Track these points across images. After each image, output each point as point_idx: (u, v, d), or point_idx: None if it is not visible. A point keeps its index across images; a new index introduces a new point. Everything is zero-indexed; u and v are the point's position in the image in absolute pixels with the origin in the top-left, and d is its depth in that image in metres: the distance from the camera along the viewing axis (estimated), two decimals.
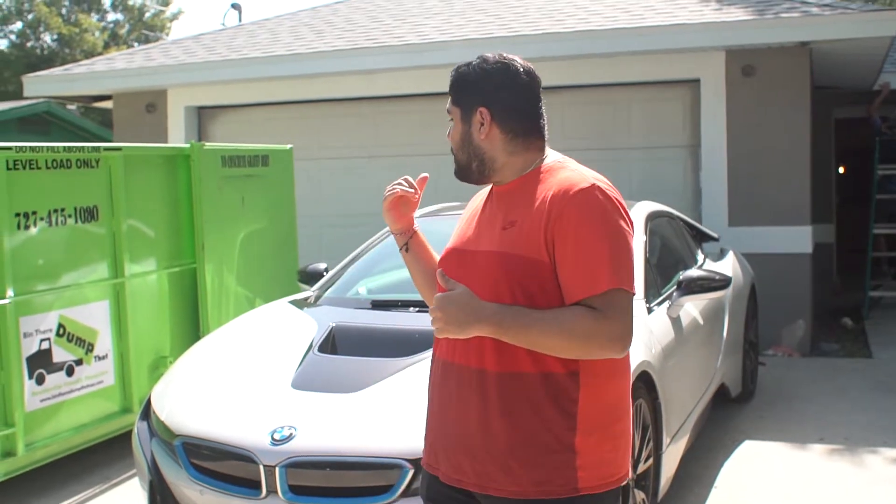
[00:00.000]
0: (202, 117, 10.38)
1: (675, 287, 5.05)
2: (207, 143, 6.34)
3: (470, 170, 2.40)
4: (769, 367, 7.60)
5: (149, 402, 4.35)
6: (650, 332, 4.45)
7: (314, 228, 9.57)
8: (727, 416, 6.27)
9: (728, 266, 6.47)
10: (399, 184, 2.55)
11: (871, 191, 10.42)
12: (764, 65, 8.45)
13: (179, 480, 3.85)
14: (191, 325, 6.30)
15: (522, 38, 8.67)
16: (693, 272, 5.08)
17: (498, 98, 2.35)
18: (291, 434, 3.62)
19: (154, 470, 4.00)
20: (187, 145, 6.31)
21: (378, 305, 4.94)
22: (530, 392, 2.24)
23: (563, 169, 2.32)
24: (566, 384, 2.23)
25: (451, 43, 8.97)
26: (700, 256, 6.31)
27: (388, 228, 5.85)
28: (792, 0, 8.49)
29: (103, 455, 5.72)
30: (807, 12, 8.11)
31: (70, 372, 5.38)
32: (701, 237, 6.80)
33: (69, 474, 5.48)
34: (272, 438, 3.62)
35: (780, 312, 8.29)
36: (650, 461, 4.28)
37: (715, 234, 7.04)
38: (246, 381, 4.19)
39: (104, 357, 5.63)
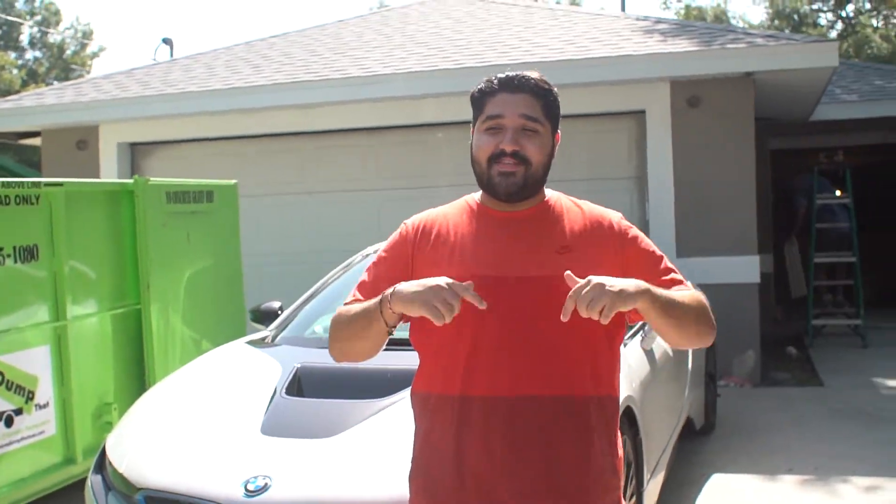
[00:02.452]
0: (136, 154, 10.05)
1: None
2: (152, 179, 6.06)
3: (536, 188, 2.29)
4: (724, 397, 7.53)
5: (103, 454, 4.05)
6: (629, 365, 4.31)
7: (253, 267, 9.25)
8: (692, 450, 6.16)
9: None
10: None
11: (811, 220, 10.51)
12: (709, 95, 8.47)
13: None
14: (135, 369, 5.99)
15: (467, 71, 8.57)
16: None
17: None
18: (266, 484, 3.37)
19: None
20: (131, 181, 6.02)
21: None
22: (608, 414, 2.29)
23: (576, 200, 2.37)
24: (616, 407, 2.33)
25: (394, 76, 8.84)
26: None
27: (342, 266, 5.70)
28: (735, 31, 8.58)
29: None
30: (752, 43, 8.18)
31: (9, 423, 5.03)
32: None
33: None
34: (246, 489, 3.36)
35: (730, 342, 8.24)
36: (633, 499, 4.13)
37: None
38: (211, 427, 3.92)
39: (45, 405, 5.29)
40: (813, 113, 10.71)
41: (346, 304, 2.38)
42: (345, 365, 4.35)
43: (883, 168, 12.38)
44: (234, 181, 7.10)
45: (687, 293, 2.23)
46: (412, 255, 2.33)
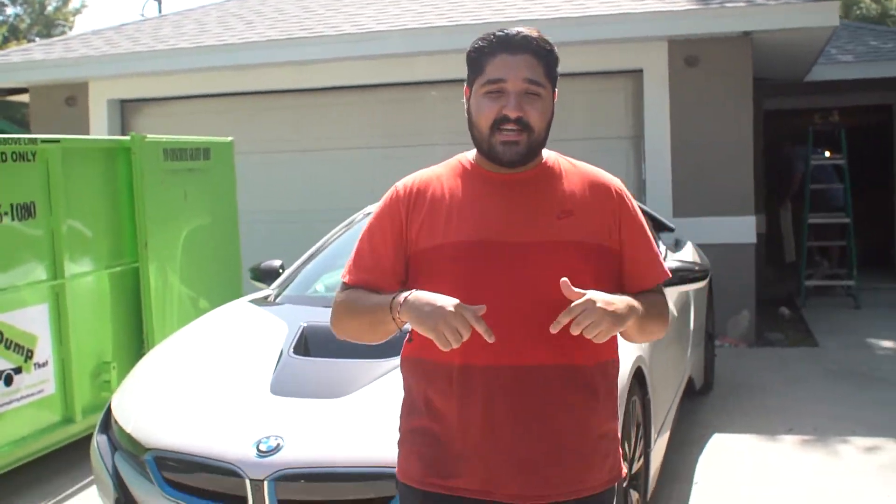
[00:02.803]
0: (125, 111, 9.91)
1: None
2: (149, 136, 5.97)
3: (537, 152, 2.22)
4: (719, 358, 7.53)
5: (108, 414, 4.02)
6: None
7: (244, 225, 9.17)
8: (692, 410, 6.17)
9: (689, 256, 6.37)
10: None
11: (805, 182, 10.49)
12: (707, 55, 8.39)
13: (151, 497, 3.53)
14: (134, 327, 5.94)
15: (463, 28, 8.46)
16: (672, 263, 4.94)
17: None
18: (279, 445, 3.34)
19: (120, 487, 3.67)
20: (127, 137, 5.93)
21: None
22: (610, 379, 2.27)
23: (572, 160, 2.32)
24: (617, 369, 2.32)
25: (390, 33, 8.73)
26: (662, 248, 6.19)
27: (344, 224, 5.64)
28: None
29: (45, 469, 5.33)
30: (751, 2, 8.08)
31: (9, 381, 4.99)
32: (657, 228, 6.69)
33: (10, 491, 5.09)
34: (258, 450, 3.33)
35: (725, 303, 8.24)
36: (642, 460, 4.12)
37: (671, 225, 6.93)
38: (219, 387, 3.88)
39: (44, 364, 5.24)
40: (809, 73, 10.66)
41: (345, 282, 2.33)
42: None
43: (878, 129, 12.34)
44: (230, 138, 7.02)
45: (658, 301, 2.29)
46: (406, 218, 2.23)
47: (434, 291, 2.09)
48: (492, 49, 2.17)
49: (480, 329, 2.00)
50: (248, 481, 3.28)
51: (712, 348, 6.92)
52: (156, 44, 9.49)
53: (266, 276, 5.38)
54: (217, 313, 4.88)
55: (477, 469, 2.16)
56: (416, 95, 9.23)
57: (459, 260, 2.16)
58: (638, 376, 4.00)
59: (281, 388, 3.72)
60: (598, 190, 2.25)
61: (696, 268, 4.93)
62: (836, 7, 7.85)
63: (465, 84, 2.24)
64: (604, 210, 2.22)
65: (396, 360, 3.76)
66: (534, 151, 2.19)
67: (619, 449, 2.30)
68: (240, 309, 4.85)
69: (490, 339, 2.01)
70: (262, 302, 4.92)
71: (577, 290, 2.01)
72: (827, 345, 8.19)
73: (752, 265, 8.52)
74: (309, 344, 4.14)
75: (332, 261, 5.29)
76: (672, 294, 5.13)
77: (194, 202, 6.41)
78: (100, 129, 9.60)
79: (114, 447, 3.84)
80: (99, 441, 3.93)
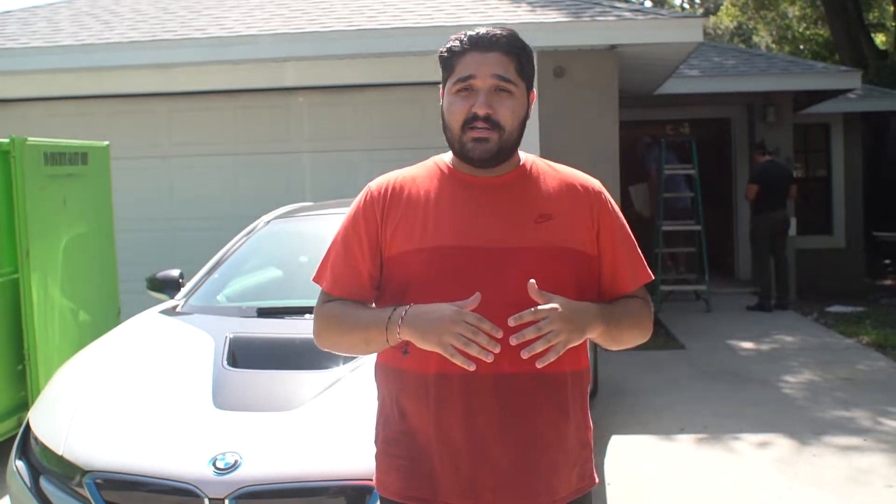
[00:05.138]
0: None
1: None
2: (30, 138, 5.60)
3: (511, 152, 2.18)
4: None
5: (26, 435, 3.73)
6: None
7: None
8: None
9: None
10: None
11: (659, 190, 10.91)
12: (574, 67, 8.60)
13: None
14: (13, 341, 5.54)
15: (336, 34, 8.38)
16: None
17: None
18: (237, 461, 3.19)
19: None
20: (6, 140, 5.55)
21: (265, 313, 4.52)
22: (583, 387, 2.24)
23: (550, 163, 2.29)
24: (589, 377, 2.30)
25: (259, 37, 8.53)
26: None
27: (245, 232, 5.48)
28: (601, 5, 8.72)
29: None
30: (620, 16, 8.35)
31: None
32: None
33: None
34: (215, 467, 3.17)
35: None
36: None
37: None
38: (157, 402, 3.67)
39: None
40: (659, 87, 11.10)
41: (324, 290, 2.26)
42: (277, 335, 4.24)
43: (719, 141, 12.97)
44: (106, 143, 6.69)
45: (637, 308, 2.23)
46: (381, 220, 2.18)
47: (410, 296, 2.07)
48: (462, 48, 2.16)
49: (486, 328, 1.97)
50: (206, 501, 3.12)
51: (595, 352, 7.08)
52: (4, 41, 8.94)
53: (165, 286, 5.16)
54: (131, 324, 4.62)
55: (457, 480, 2.13)
56: (283, 101, 9.06)
57: (437, 266, 2.12)
58: None
59: (224, 401, 3.56)
60: (577, 193, 2.22)
61: None
62: (700, 24, 8.24)
63: (440, 87, 2.21)
64: (583, 213, 2.19)
65: (337, 371, 3.74)
66: (506, 151, 2.15)
67: (591, 457, 2.30)
68: (153, 320, 4.61)
69: (498, 335, 1.97)
70: (172, 312, 4.70)
71: (544, 294, 2.00)
72: (693, 347, 8.54)
73: None
74: (237, 356, 3.98)
75: (236, 269, 5.13)
76: None
77: (73, 209, 6.06)
78: None
79: (36, 471, 3.56)
80: (18, 467, 3.64)
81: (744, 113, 12.61)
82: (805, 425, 5.97)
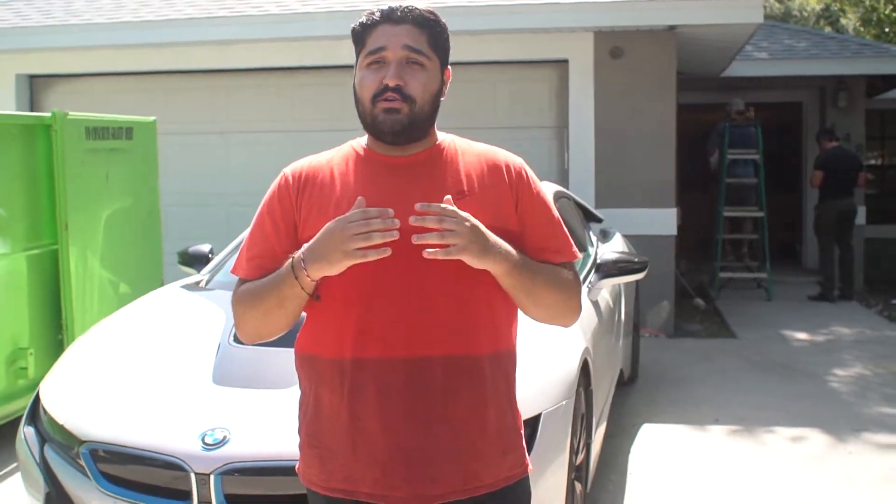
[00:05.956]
0: (35, 86, 9.53)
1: (591, 270, 4.90)
2: (71, 113, 5.71)
3: (424, 127, 2.13)
4: (642, 348, 7.62)
5: (36, 403, 3.82)
6: (581, 317, 4.26)
7: (161, 208, 8.94)
8: (620, 401, 6.19)
9: (619, 247, 6.40)
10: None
11: (721, 174, 10.68)
12: (632, 47, 8.46)
13: (86, 492, 3.37)
14: (52, 312, 5.69)
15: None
16: (610, 254, 4.96)
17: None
18: (225, 437, 3.22)
19: (51, 481, 3.49)
20: (48, 114, 5.67)
21: None
22: (506, 369, 2.20)
23: (469, 141, 2.25)
24: (514, 361, 2.23)
25: (315, 14, 8.55)
26: (593, 238, 6.21)
27: None
28: None
29: None
30: None
31: None
32: (587, 219, 6.71)
33: None
34: (203, 443, 3.20)
35: (646, 294, 8.33)
36: (584, 451, 4.11)
37: (600, 216, 6.97)
38: (158, 377, 3.72)
39: None
40: (726, 69, 10.84)
41: (241, 278, 2.20)
42: None
43: (789, 126, 12.64)
44: (153, 118, 6.79)
45: (560, 274, 2.15)
46: (295, 203, 2.15)
47: (325, 279, 2.02)
48: (374, 21, 2.13)
49: (374, 213, 1.92)
50: (193, 475, 3.15)
51: (637, 339, 6.98)
52: (68, 17, 9.13)
53: (195, 260, 5.22)
54: (149, 299, 4.69)
55: (373, 469, 2.09)
56: (338, 79, 9.07)
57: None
58: (583, 367, 3.98)
59: (223, 378, 3.59)
60: (495, 169, 2.17)
61: (636, 259, 4.93)
62: (760, 4, 7.99)
63: (354, 63, 2.17)
64: (501, 189, 2.14)
65: None
66: (418, 125, 2.10)
67: (522, 444, 2.22)
68: (172, 295, 4.68)
69: (389, 215, 1.92)
70: (194, 287, 4.76)
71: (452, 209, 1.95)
72: (745, 336, 8.35)
73: (671, 257, 8.63)
74: None
75: None
76: (609, 284, 5.14)
77: (116, 184, 6.17)
78: (7, 105, 9.19)
79: (43, 439, 3.65)
80: (26, 433, 3.73)
81: (816, 97, 12.25)
82: (845, 421, 5.79)
